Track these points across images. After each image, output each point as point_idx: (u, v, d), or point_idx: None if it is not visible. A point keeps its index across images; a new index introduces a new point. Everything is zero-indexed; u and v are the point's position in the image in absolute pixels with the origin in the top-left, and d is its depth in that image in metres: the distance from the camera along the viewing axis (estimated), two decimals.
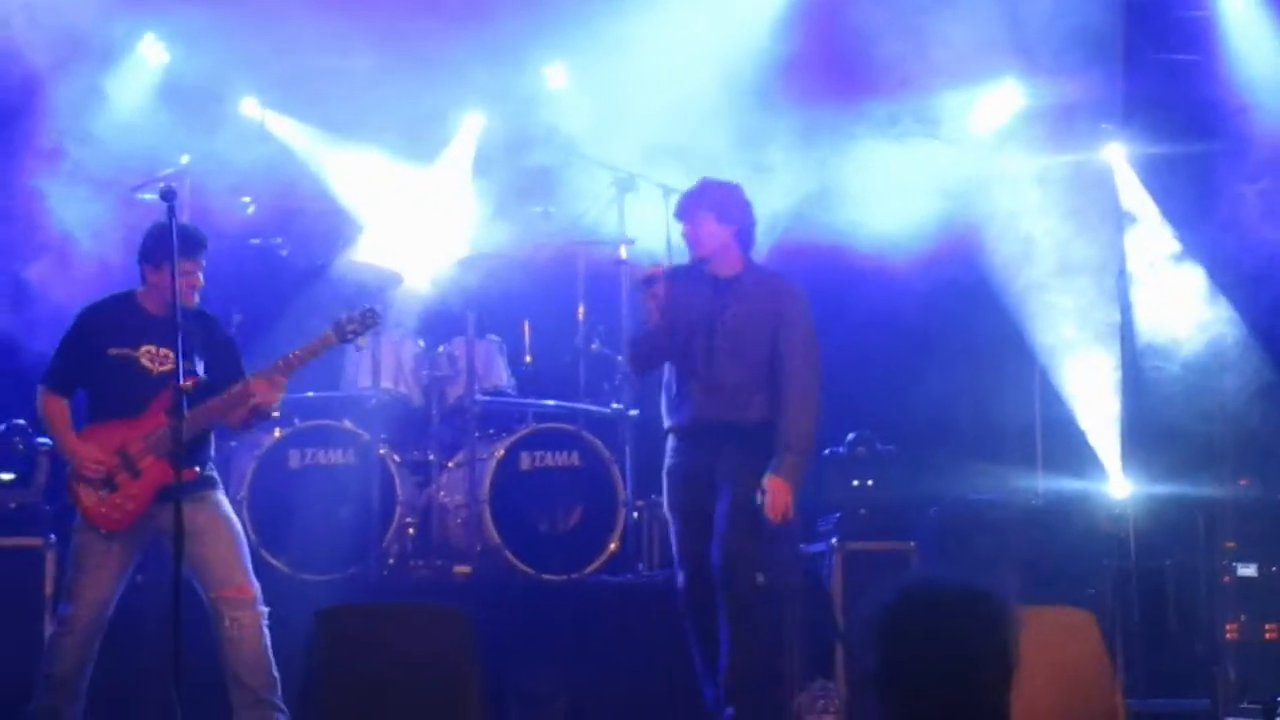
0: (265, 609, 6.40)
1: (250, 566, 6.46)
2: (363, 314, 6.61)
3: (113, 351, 6.40)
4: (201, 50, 8.72)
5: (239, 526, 6.54)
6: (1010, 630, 3.08)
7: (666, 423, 6.88)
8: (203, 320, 6.53)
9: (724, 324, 6.70)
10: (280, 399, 6.55)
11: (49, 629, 6.55)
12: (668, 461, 6.87)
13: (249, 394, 6.36)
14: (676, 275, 6.81)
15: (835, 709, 7.71)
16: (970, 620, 3.06)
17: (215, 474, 6.61)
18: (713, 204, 6.73)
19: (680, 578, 6.83)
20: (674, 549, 6.91)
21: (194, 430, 6.30)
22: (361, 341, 7.14)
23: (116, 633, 6.56)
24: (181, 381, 6.04)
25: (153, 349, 6.39)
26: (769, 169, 8.54)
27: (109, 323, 6.48)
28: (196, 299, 6.50)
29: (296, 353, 6.46)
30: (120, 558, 6.37)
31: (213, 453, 6.65)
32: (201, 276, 6.50)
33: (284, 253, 8.79)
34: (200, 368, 6.36)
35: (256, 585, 6.42)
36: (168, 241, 6.09)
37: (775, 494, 6.46)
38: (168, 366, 6.28)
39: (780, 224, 8.36)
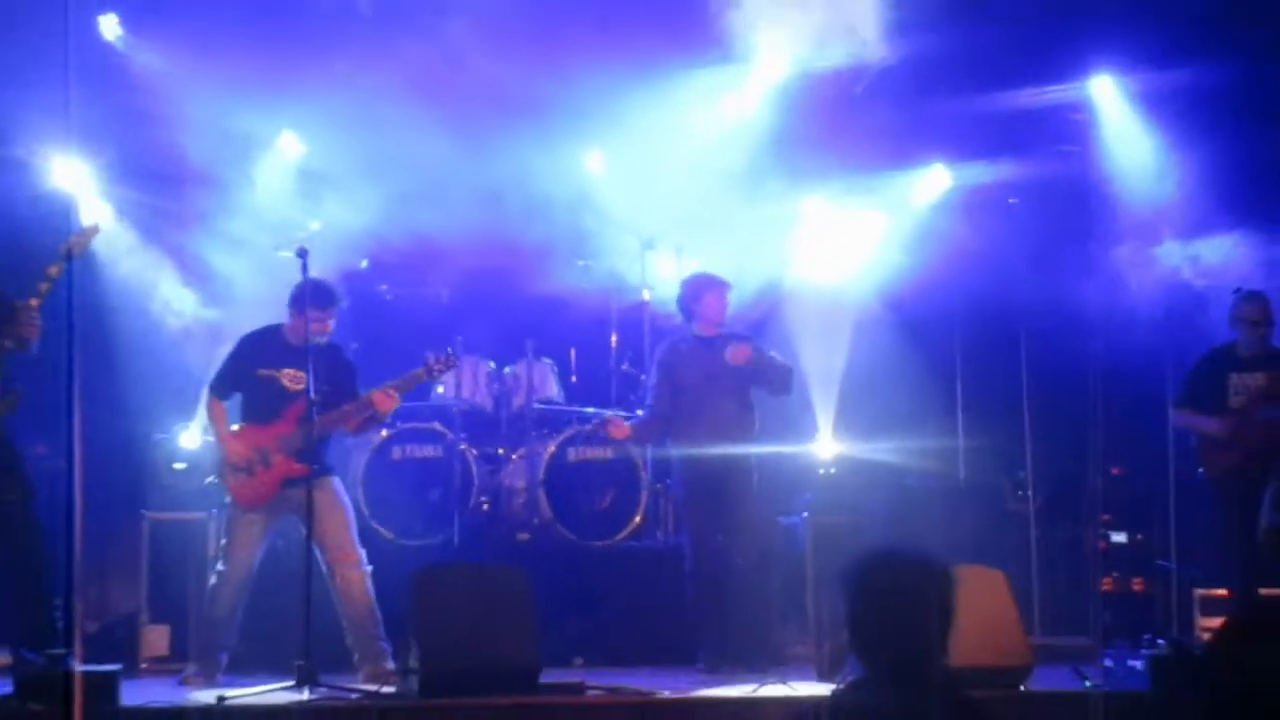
0: (369, 568, 6.50)
1: (356, 536, 6.55)
2: (446, 357, 6.79)
3: (261, 371, 6.54)
4: (327, 142, 8.75)
5: (349, 505, 6.61)
6: (952, 588, 3.14)
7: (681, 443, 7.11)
8: (329, 351, 6.64)
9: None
10: (393, 410, 6.65)
11: (210, 581, 6.64)
12: (689, 469, 7.06)
13: (370, 404, 6.49)
14: (689, 345, 7.15)
15: (806, 641, 7.70)
16: (925, 579, 3.12)
17: (333, 464, 6.68)
18: None
19: (694, 555, 7.01)
20: (691, 532, 7.08)
21: (319, 434, 6.42)
22: (446, 378, 7.27)
23: (262, 586, 6.65)
24: (310, 397, 6.23)
25: (291, 371, 6.52)
26: (760, 231, 8.55)
27: (259, 348, 6.62)
28: (324, 340, 6.58)
29: (398, 382, 6.60)
30: (259, 528, 6.49)
31: (329, 450, 6.71)
32: (331, 324, 6.61)
33: (388, 297, 8.87)
34: (320, 389, 6.43)
35: (361, 551, 6.52)
36: (303, 297, 6.38)
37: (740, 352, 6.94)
38: (300, 385, 6.42)
39: (779, 271, 8.39)
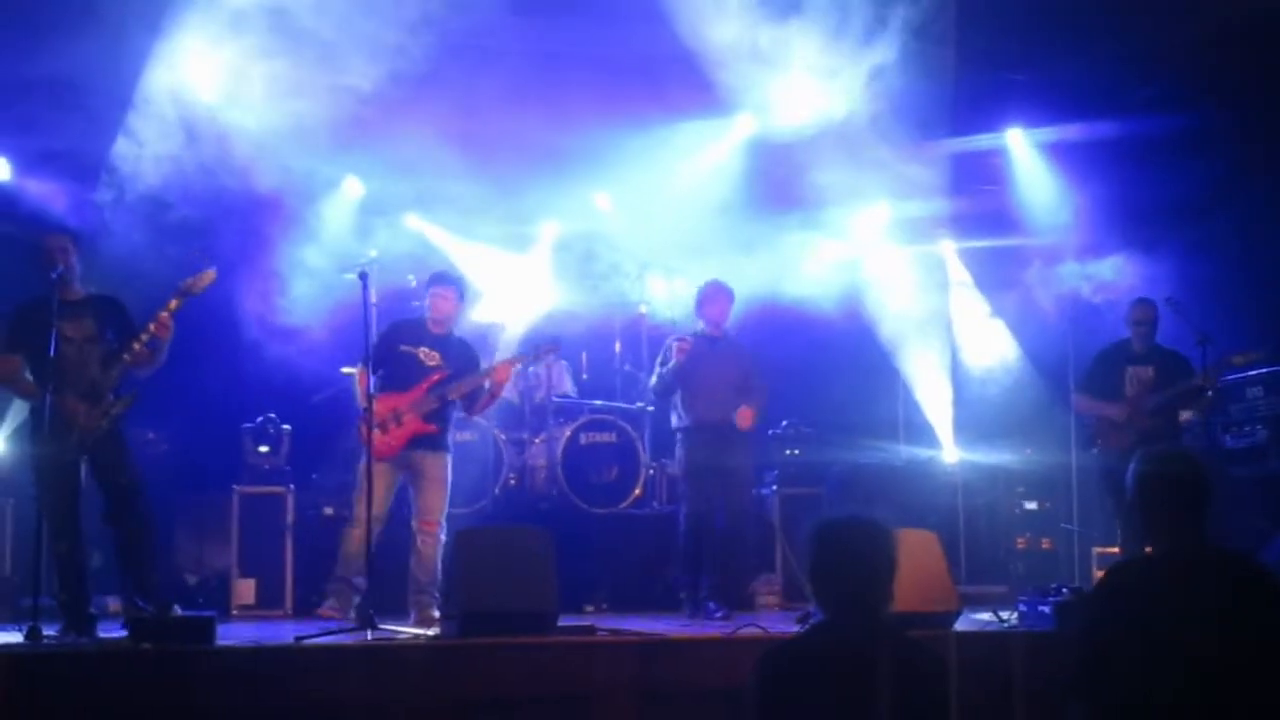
0: (444, 538, 6.33)
1: (445, 509, 6.39)
2: (550, 341, 6.98)
3: (403, 348, 6.47)
4: (383, 184, 8.71)
5: (448, 483, 6.45)
6: (893, 546, 3.14)
7: (685, 422, 7.00)
8: (459, 341, 6.68)
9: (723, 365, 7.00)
10: (508, 381, 6.70)
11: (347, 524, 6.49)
12: (690, 447, 6.95)
13: (492, 373, 6.54)
14: (697, 340, 7.06)
15: (776, 590, 7.80)
16: (872, 540, 3.12)
17: (449, 444, 6.54)
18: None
19: (688, 517, 6.93)
20: (688, 499, 6.96)
21: (443, 400, 6.41)
22: (548, 360, 7.55)
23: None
24: (436, 375, 6.37)
25: (427, 350, 6.51)
26: (736, 256, 8.43)
27: (404, 331, 6.57)
28: (449, 317, 6.58)
29: (512, 358, 6.83)
30: (387, 478, 6.31)
31: (449, 430, 6.56)
32: (452, 303, 6.59)
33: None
34: (449, 367, 6.48)
35: (444, 523, 6.37)
36: (433, 281, 6.64)
37: (746, 414, 6.86)
38: (434, 362, 6.45)
39: (752, 289, 8.35)
